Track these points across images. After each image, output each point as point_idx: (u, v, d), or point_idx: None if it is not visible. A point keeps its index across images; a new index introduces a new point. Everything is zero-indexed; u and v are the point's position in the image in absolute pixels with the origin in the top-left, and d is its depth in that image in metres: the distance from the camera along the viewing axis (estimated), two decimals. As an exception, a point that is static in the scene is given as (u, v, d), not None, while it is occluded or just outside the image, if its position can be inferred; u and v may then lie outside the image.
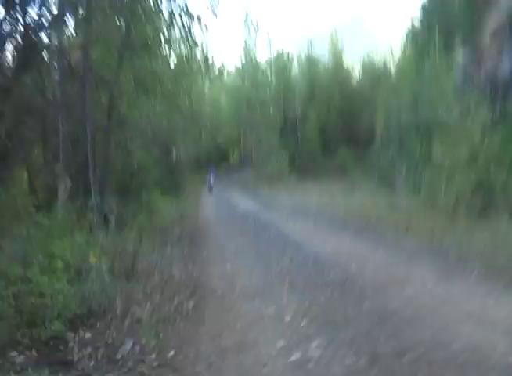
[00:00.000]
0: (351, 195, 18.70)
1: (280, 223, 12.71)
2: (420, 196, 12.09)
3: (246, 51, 46.22)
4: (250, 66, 45.73)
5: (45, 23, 9.73)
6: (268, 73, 47.23)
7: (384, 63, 45.62)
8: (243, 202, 23.11)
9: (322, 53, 48.00)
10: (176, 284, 6.21)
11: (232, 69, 54.11)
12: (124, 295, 5.16)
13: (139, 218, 10.41)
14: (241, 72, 48.24)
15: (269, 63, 47.93)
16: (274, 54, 48.05)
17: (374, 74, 46.67)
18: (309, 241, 9.98)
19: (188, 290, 6.06)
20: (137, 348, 4.12)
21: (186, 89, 14.25)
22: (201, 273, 7.13)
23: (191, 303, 5.57)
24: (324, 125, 40.68)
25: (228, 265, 7.76)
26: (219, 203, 22.99)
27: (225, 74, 56.08)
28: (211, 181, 32.29)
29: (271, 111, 43.57)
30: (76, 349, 4.00)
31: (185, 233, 10.76)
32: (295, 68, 49.48)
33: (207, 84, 55.57)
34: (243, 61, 47.23)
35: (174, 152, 21.89)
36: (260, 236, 10.46)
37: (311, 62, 47.49)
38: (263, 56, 50.18)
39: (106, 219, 10.40)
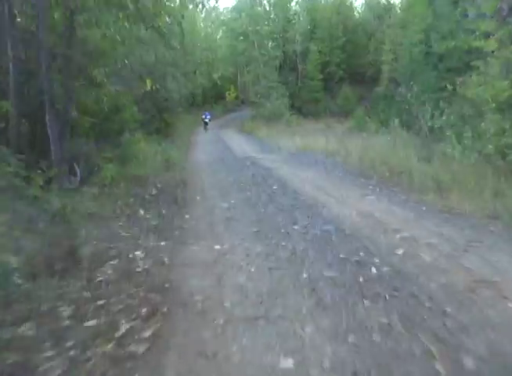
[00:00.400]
0: (360, 139, 16.78)
1: (285, 173, 10.80)
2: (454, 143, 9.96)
3: (244, -19, 42.88)
4: (248, -3, 42.57)
5: None
6: (267, 6, 43.93)
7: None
8: (240, 145, 21.18)
9: (324, -16, 44.86)
10: (134, 284, 3.93)
11: (229, 2, 50.66)
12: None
13: (108, 168, 8.55)
14: (238, 5, 44.89)
15: (268, -6, 44.64)
16: (273, -16, 44.65)
17: (378, 7, 43.77)
18: (328, 201, 7.39)
19: (150, 302, 3.67)
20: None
21: (174, 15, 11.91)
22: (175, 258, 4.75)
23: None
24: (326, 61, 38.12)
25: (217, 244, 5.16)
26: (213, 146, 21.07)
27: (221, 7, 52.75)
28: (207, 118, 32.27)
29: (270, 47, 40.87)
30: None
31: (166, 187, 8.94)
32: (295, 0, 46.24)
33: (201, 18, 52.52)
34: (241, -8, 43.97)
35: (162, 89, 19.76)
36: (260, 192, 8.52)
37: (312, -7, 44.32)
38: (261, -13, 46.76)
39: (71, 171, 8.60)
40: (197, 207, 7.34)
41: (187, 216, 6.66)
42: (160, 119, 21.91)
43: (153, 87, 17.29)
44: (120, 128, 12.09)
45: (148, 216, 6.39)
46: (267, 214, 6.64)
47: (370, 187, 8.44)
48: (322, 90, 36.62)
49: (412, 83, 19.01)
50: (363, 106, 36.30)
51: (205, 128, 31.95)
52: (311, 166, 11.90)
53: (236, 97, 53.20)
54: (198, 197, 8.23)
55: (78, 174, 8.25)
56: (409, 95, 17.64)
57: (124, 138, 12.07)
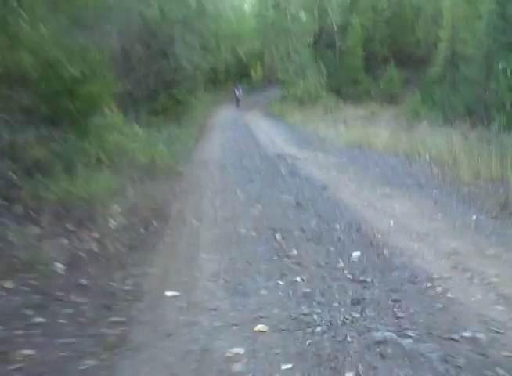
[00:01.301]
0: (434, 132, 12.19)
1: (362, 203, 6.07)
2: None
3: None
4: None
5: None
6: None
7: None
8: (268, 134, 16.63)
9: None
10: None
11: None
12: None
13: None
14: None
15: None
16: None
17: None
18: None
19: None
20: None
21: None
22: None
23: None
24: (368, 38, 32.97)
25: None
26: (233, 135, 16.55)
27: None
28: (239, 94, 31.77)
29: (303, 19, 35.90)
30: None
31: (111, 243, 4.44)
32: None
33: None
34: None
35: (169, 55, 15.22)
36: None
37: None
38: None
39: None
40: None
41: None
42: (166, 96, 17.38)
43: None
44: (87, 106, 7.66)
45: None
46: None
47: None
48: (362, 70, 31.57)
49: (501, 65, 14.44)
50: (409, 91, 31.51)
51: (237, 105, 31.06)
52: (395, 182, 7.34)
53: (263, 75, 48.39)
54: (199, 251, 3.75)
55: None
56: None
57: (91, 122, 7.61)
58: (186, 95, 19.69)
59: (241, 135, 16.35)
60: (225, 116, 25.88)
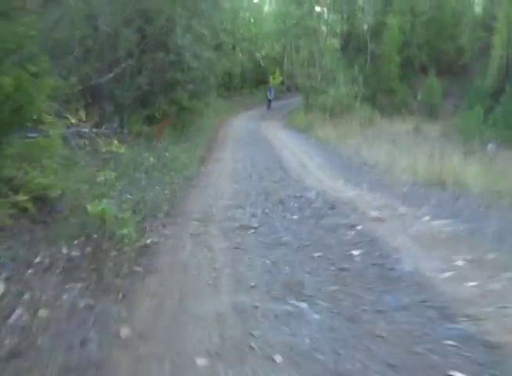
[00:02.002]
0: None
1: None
2: None
3: None
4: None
5: None
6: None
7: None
8: (297, 156, 12.80)
9: None
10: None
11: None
12: None
13: None
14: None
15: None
16: None
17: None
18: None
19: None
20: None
21: None
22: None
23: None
24: (404, 42, 28.91)
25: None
26: (248, 157, 12.56)
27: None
28: (271, 96, 31.65)
29: (329, 19, 32.11)
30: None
31: None
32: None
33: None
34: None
35: (172, 49, 11.43)
36: None
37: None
38: None
39: None
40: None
41: None
42: (166, 100, 13.63)
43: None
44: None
45: None
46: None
47: None
48: (397, 78, 27.52)
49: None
50: (449, 104, 27.59)
51: (268, 107, 31.43)
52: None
53: (282, 83, 44.60)
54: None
55: None
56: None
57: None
58: (193, 101, 15.83)
59: (261, 157, 12.51)
60: (241, 127, 22.02)
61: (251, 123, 23.76)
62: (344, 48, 29.71)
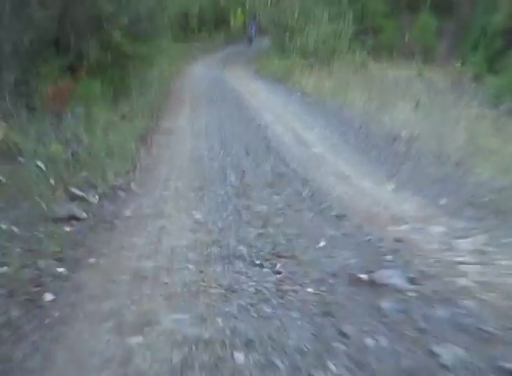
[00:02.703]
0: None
1: None
2: None
3: None
4: None
5: None
6: None
7: None
8: (293, 129, 8.47)
9: None
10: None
11: None
12: None
13: None
14: None
15: None
16: None
17: None
18: None
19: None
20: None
21: None
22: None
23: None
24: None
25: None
26: (222, 127, 8.38)
27: None
28: (253, 32, 31.07)
29: None
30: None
31: None
32: None
33: None
34: None
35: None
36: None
37: None
38: None
39: None
40: None
41: None
42: (98, 43, 9.50)
43: None
44: None
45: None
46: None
47: None
48: (386, 15, 23.22)
49: None
50: (443, 45, 23.68)
51: (250, 43, 30.76)
52: None
53: (244, 24, 39.79)
54: None
55: None
56: None
57: None
58: (137, 44, 11.49)
59: (233, 126, 8.48)
60: (201, 77, 17.69)
61: (214, 71, 19.38)
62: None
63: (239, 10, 38.57)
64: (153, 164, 6.01)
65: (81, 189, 4.55)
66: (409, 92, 11.75)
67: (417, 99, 10.09)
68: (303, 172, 5.58)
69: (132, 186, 5.07)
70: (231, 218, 4.26)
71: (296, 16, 18.42)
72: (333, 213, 4.33)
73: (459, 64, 19.24)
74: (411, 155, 6.30)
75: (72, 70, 9.77)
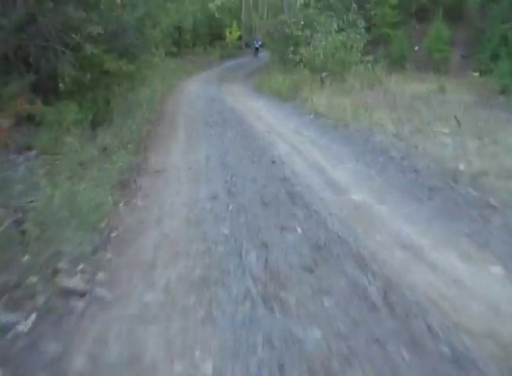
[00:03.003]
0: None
1: None
2: None
3: None
4: None
5: None
6: None
7: None
8: (324, 172, 6.16)
9: None
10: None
11: None
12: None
13: None
14: None
15: None
16: None
17: None
18: None
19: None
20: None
21: None
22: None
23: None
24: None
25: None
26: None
27: None
28: (258, 44, 32.85)
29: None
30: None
31: None
32: None
33: None
34: None
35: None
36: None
37: None
38: None
39: None
40: None
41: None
42: (73, 61, 7.84)
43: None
44: None
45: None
46: None
47: None
48: (395, 24, 21.57)
49: None
50: (457, 54, 22.04)
51: (255, 55, 32.73)
52: None
53: (239, 38, 38.37)
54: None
55: None
56: None
57: None
58: (126, 62, 9.72)
59: (241, 163, 6.60)
60: (196, 94, 16.00)
61: (210, 88, 17.72)
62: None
63: (234, 24, 37.22)
64: (134, 229, 4.18)
65: (5, 306, 2.73)
66: (440, 110, 10.10)
67: (457, 119, 8.38)
68: (352, 240, 3.80)
69: (98, 282, 3.20)
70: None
71: (300, 26, 16.71)
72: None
73: (476, 75, 17.74)
74: (490, 203, 4.56)
75: (43, 91, 8.11)
